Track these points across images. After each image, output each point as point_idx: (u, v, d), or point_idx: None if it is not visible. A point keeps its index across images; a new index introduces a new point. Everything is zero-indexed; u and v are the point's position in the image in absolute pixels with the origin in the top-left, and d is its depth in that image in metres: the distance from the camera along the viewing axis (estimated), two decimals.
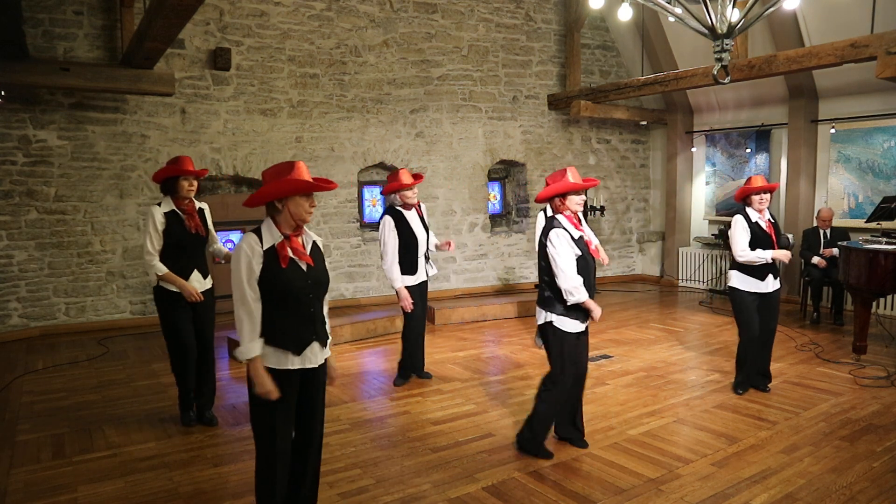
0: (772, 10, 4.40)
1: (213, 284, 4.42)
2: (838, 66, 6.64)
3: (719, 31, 4.22)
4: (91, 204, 7.16)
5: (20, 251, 6.87)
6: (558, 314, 3.65)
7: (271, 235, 2.67)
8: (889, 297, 7.70)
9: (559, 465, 3.70)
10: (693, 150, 10.11)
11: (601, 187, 10.52)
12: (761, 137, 9.05)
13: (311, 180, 2.64)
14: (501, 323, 7.64)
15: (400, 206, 5.09)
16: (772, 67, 6.95)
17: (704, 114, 10.02)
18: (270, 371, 2.66)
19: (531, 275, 9.94)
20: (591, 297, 3.64)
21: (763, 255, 4.66)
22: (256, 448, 2.76)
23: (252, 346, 2.62)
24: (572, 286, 3.55)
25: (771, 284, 4.80)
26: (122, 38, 7.01)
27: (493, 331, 7.24)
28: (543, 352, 6.15)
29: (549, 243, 3.62)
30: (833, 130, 8.12)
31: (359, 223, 8.78)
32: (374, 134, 8.64)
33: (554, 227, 3.61)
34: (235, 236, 8.00)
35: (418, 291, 5.18)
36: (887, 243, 5.56)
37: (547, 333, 3.73)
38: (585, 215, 9.65)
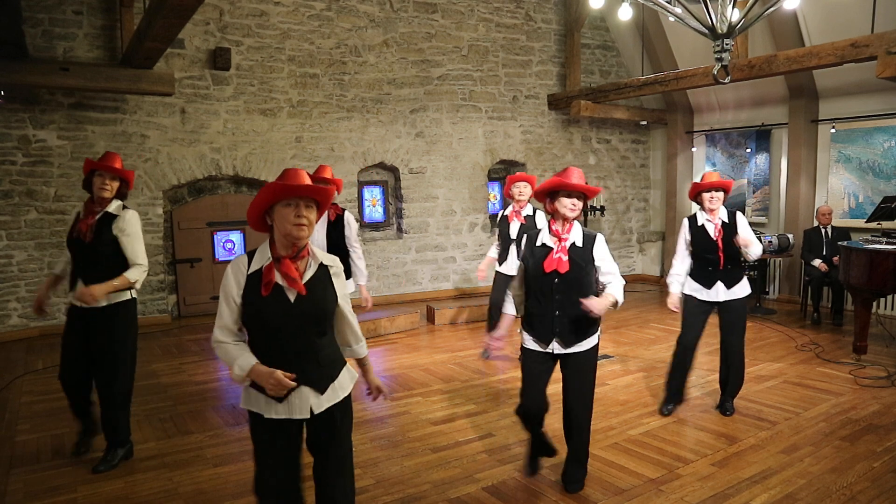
0: (772, 9, 4.39)
1: (115, 303, 3.63)
2: (838, 66, 6.64)
3: (719, 31, 4.22)
4: None
5: (20, 251, 6.87)
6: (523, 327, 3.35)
7: (261, 257, 2.28)
8: (889, 297, 7.70)
9: (559, 465, 3.69)
10: (693, 150, 10.11)
11: (601, 187, 10.51)
12: (761, 137, 9.04)
13: (280, 182, 2.21)
14: None
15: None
16: (772, 67, 6.95)
17: (704, 114, 10.01)
18: (255, 415, 2.31)
19: None
20: (540, 313, 3.22)
21: (670, 288, 4.44)
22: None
23: (243, 360, 2.23)
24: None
25: (722, 293, 4.31)
26: (121, 38, 7.01)
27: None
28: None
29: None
30: (833, 130, 8.12)
31: (359, 223, 8.78)
32: (374, 134, 8.64)
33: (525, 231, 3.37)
34: (236, 236, 7.99)
35: None
36: (888, 243, 5.55)
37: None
38: (586, 216, 9.66)
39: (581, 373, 3.31)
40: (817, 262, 7.30)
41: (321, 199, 2.27)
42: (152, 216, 7.46)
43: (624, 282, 3.33)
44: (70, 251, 3.67)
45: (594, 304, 3.11)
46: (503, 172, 10.10)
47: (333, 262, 2.39)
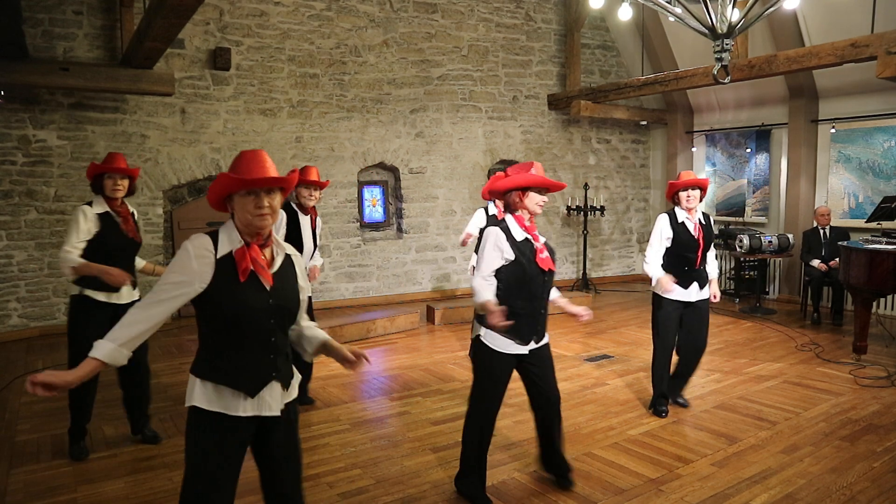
0: (772, 9, 4.40)
1: (139, 297, 3.94)
2: (838, 66, 6.64)
3: (719, 31, 4.22)
4: None
5: (20, 251, 6.87)
6: (487, 327, 3.13)
7: (229, 239, 2.09)
8: (889, 297, 7.70)
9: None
10: (693, 149, 10.11)
11: (601, 187, 10.52)
12: (761, 137, 9.04)
13: (231, 175, 2.03)
14: None
15: (296, 204, 4.73)
16: (772, 67, 6.95)
17: (704, 114, 10.01)
18: (213, 416, 2.09)
19: None
20: (529, 312, 3.12)
21: (653, 274, 4.30)
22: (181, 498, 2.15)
23: (117, 352, 2.01)
24: (475, 284, 3.09)
25: (695, 293, 4.36)
26: (121, 38, 7.01)
27: None
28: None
29: (482, 240, 3.18)
30: (833, 130, 8.12)
31: (359, 223, 8.78)
32: (374, 134, 8.64)
33: (492, 226, 3.14)
34: None
35: None
36: (888, 243, 5.55)
37: (475, 349, 3.25)
38: (585, 216, 9.66)
39: (549, 360, 3.30)
40: (816, 263, 7.30)
41: (286, 186, 2.12)
42: (152, 216, 7.46)
43: None
44: (114, 252, 3.76)
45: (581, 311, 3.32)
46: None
47: (294, 251, 2.30)
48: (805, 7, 7.25)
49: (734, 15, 4.19)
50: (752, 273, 8.41)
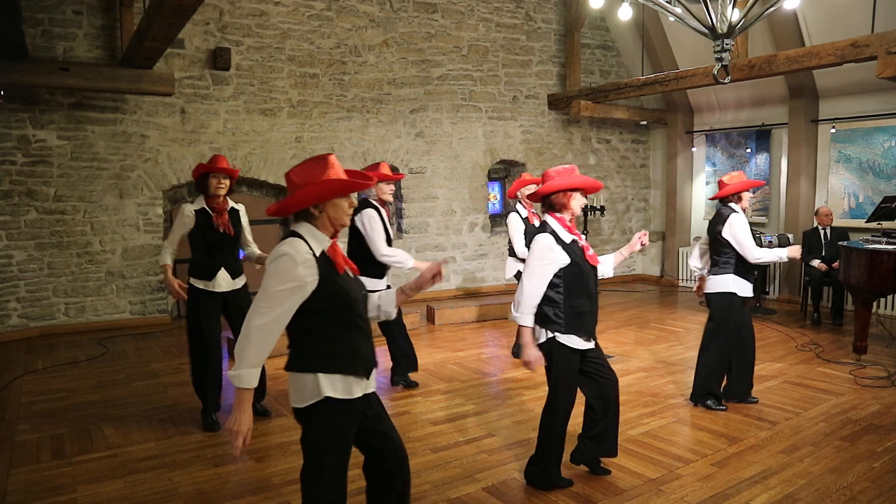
0: (772, 9, 4.40)
1: (245, 283, 4.41)
2: (839, 66, 6.64)
3: (719, 31, 4.22)
4: (91, 204, 7.16)
5: (20, 251, 6.87)
6: (560, 331, 3.25)
7: (318, 241, 2.26)
8: (889, 297, 7.70)
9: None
10: (693, 149, 10.11)
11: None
12: (761, 137, 9.05)
13: (347, 178, 2.27)
14: (501, 323, 7.63)
15: (376, 200, 4.78)
16: (772, 67, 6.95)
17: (704, 114, 10.01)
18: (342, 403, 2.24)
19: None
20: (591, 309, 3.30)
21: (778, 254, 4.44)
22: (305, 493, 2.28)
23: (255, 372, 2.15)
24: (522, 302, 3.22)
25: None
26: (121, 38, 7.01)
27: (493, 331, 7.24)
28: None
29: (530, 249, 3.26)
30: (833, 130, 8.12)
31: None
32: (374, 134, 8.64)
33: (541, 233, 3.23)
34: None
35: None
36: (888, 243, 5.55)
37: (550, 349, 3.30)
38: (585, 216, 9.66)
39: (600, 349, 3.49)
40: (816, 263, 7.30)
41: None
42: (152, 216, 7.46)
43: None
44: (210, 245, 4.19)
45: None
46: (503, 172, 10.11)
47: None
48: (805, 7, 7.25)
49: (734, 15, 4.19)
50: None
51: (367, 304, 2.44)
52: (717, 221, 4.46)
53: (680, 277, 10.21)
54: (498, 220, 10.09)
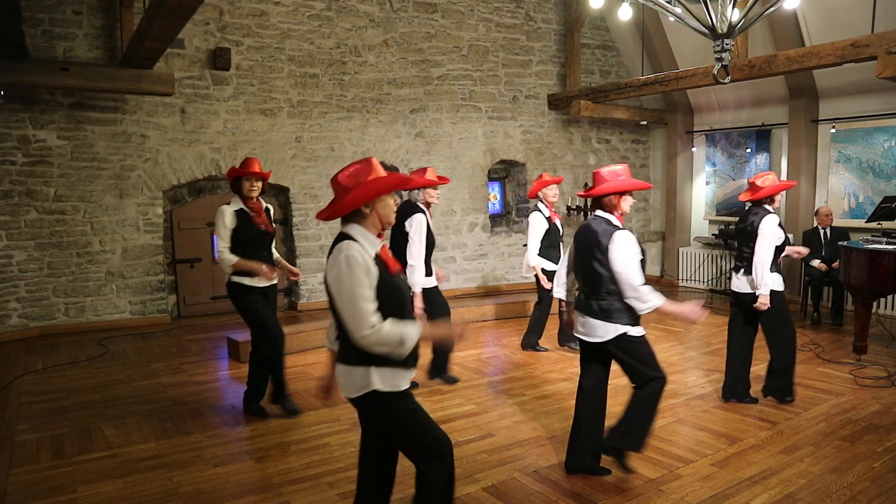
0: (772, 9, 4.39)
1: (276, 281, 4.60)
2: (839, 66, 6.63)
3: (719, 31, 4.22)
4: (91, 204, 7.16)
5: (20, 251, 6.87)
6: (629, 324, 3.59)
7: (369, 242, 2.42)
8: (889, 297, 7.69)
9: (559, 464, 3.69)
10: (693, 149, 10.11)
11: None
12: (761, 137, 9.05)
13: (394, 176, 2.48)
14: (501, 323, 7.63)
15: (423, 203, 4.89)
16: (772, 67, 6.95)
17: (704, 114, 10.01)
18: (396, 395, 2.44)
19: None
20: None
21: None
22: (430, 467, 2.48)
23: (410, 328, 2.36)
24: (644, 291, 3.53)
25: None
26: (121, 38, 7.01)
27: (493, 331, 7.24)
28: (542, 352, 6.17)
29: (613, 246, 3.40)
30: (833, 130, 8.12)
31: None
32: (373, 134, 8.64)
33: (620, 229, 3.44)
34: None
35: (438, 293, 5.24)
36: (888, 243, 5.55)
37: (624, 347, 3.55)
38: (586, 216, 9.66)
39: None
40: (816, 263, 7.30)
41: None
42: (152, 216, 7.46)
43: None
44: (252, 242, 4.36)
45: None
46: (503, 172, 10.11)
47: None
48: (805, 7, 7.24)
49: (734, 15, 4.19)
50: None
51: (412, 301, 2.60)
52: (746, 220, 4.73)
53: (680, 277, 10.20)
54: (498, 220, 10.10)
